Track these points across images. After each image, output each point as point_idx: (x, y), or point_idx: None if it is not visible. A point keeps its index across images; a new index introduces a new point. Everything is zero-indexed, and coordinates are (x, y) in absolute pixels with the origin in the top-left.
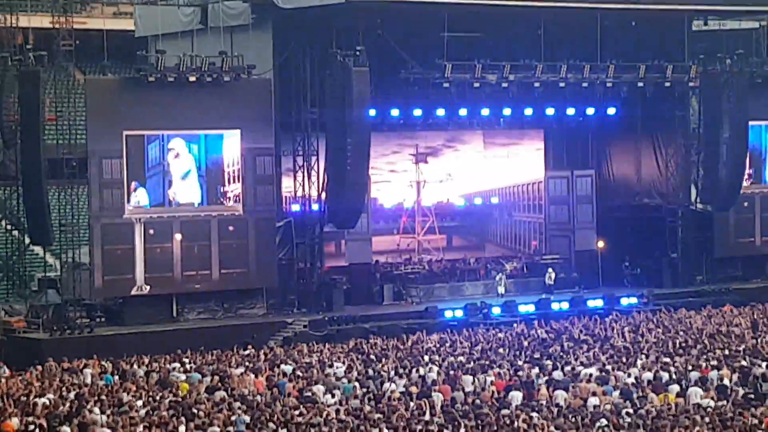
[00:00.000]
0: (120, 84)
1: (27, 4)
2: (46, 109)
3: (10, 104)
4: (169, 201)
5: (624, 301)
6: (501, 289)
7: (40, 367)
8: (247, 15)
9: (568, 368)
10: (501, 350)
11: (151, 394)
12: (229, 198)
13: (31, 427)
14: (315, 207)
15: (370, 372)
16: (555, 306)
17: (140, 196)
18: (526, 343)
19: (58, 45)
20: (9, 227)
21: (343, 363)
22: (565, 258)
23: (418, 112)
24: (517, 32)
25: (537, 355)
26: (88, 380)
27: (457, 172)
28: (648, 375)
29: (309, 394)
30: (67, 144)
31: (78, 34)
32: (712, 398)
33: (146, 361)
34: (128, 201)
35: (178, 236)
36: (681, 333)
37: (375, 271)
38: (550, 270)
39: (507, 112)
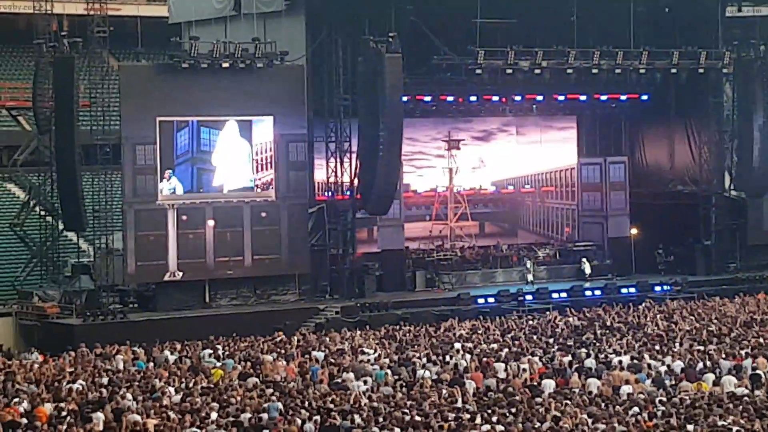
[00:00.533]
0: (153, 70)
1: None
2: (80, 95)
3: (45, 91)
4: (212, 188)
5: (657, 289)
6: (530, 277)
7: (73, 353)
8: (280, 1)
9: (601, 356)
10: (534, 338)
11: (183, 380)
12: (258, 186)
13: (64, 413)
14: (347, 193)
15: (402, 359)
16: (588, 293)
17: (174, 183)
18: (558, 331)
19: (92, 31)
20: (43, 213)
21: (375, 350)
22: (598, 245)
23: (450, 99)
24: (550, 18)
25: (570, 343)
26: (121, 366)
27: (490, 159)
28: (682, 363)
29: (340, 380)
30: (100, 130)
31: (112, 20)
32: (746, 387)
33: (178, 347)
34: (161, 188)
35: (210, 222)
36: (715, 321)
37: (407, 258)
38: (584, 259)
39: (540, 98)
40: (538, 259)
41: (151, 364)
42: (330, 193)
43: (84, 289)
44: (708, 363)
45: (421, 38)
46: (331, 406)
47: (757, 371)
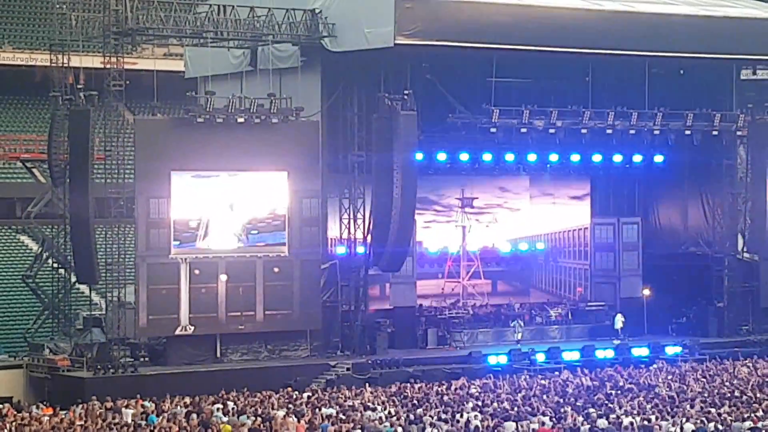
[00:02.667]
0: (169, 124)
1: (79, 44)
2: (96, 148)
3: (60, 143)
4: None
5: (669, 350)
6: (518, 335)
7: (83, 406)
8: (296, 58)
9: (612, 416)
10: (545, 397)
11: None
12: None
13: None
14: (360, 250)
15: (412, 417)
16: (600, 354)
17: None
18: (570, 391)
19: (108, 85)
20: (56, 265)
21: (386, 407)
22: (610, 305)
23: (464, 157)
24: (565, 78)
25: (581, 403)
26: (130, 420)
27: (503, 217)
28: (693, 425)
29: None
30: (115, 183)
31: (128, 74)
32: None
33: (188, 401)
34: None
35: (223, 277)
36: (727, 383)
37: (419, 315)
38: (620, 314)
39: (554, 158)
40: (551, 318)
41: (161, 418)
42: (346, 249)
43: (95, 342)
44: (720, 426)
45: (436, 96)
46: None
47: None
